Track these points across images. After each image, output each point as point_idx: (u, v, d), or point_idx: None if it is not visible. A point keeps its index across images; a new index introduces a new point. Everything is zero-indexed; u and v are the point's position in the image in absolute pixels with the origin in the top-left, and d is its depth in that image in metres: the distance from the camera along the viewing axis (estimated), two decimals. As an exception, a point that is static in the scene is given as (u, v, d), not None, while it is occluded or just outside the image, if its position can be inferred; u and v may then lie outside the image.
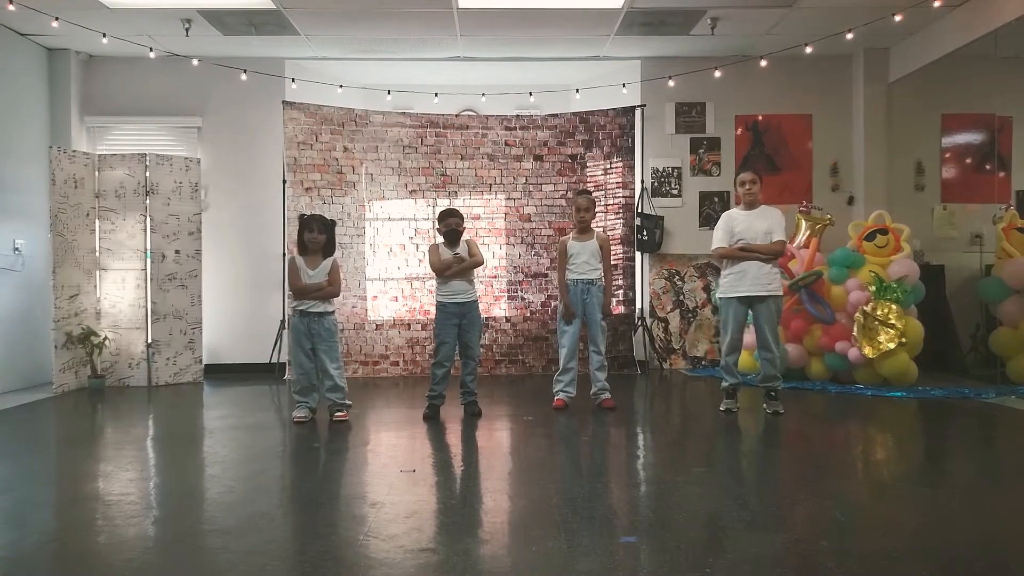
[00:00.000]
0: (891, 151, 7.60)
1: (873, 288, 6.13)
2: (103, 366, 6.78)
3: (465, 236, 5.39)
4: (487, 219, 7.58)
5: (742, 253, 5.13)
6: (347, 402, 5.18)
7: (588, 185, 7.57)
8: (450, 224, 5.26)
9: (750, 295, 5.12)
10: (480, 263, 5.36)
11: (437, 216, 5.45)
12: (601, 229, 7.49)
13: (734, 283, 5.17)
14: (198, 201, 7.12)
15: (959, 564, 2.58)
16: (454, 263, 5.21)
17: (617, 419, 5.14)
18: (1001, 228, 6.80)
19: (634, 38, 7.06)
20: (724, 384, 5.33)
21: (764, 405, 5.27)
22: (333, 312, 5.18)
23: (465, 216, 5.49)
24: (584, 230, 5.45)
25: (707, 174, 7.73)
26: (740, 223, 5.19)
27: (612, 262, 7.44)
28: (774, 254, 5.15)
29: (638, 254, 7.63)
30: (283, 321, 7.24)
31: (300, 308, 5.10)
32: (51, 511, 3.38)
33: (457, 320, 5.21)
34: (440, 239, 5.37)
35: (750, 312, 5.24)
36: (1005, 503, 3.34)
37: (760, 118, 7.74)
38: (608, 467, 4.10)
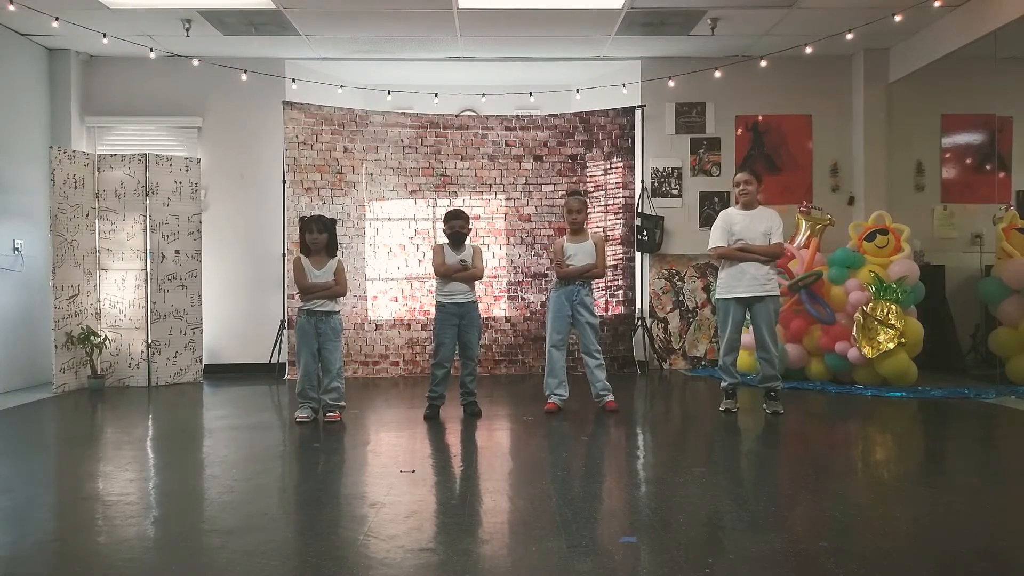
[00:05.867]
0: (891, 151, 7.60)
1: (873, 288, 6.13)
2: (103, 366, 6.78)
3: (473, 241, 5.36)
4: (487, 219, 7.58)
5: (741, 254, 5.13)
6: (341, 403, 5.19)
7: (588, 185, 7.57)
8: (454, 227, 5.24)
9: (747, 296, 5.12)
10: (478, 276, 5.31)
11: (444, 216, 5.42)
12: (601, 230, 7.50)
13: (731, 283, 5.17)
14: (198, 201, 7.12)
15: (959, 564, 2.58)
16: (459, 269, 5.20)
17: (617, 419, 5.13)
18: (1001, 228, 6.79)
19: (634, 38, 7.06)
20: (723, 384, 5.33)
21: (764, 405, 5.27)
22: (339, 312, 5.20)
23: (468, 217, 5.44)
24: (577, 231, 5.40)
25: (707, 174, 7.73)
26: (739, 223, 5.19)
27: (612, 262, 7.48)
28: (773, 256, 5.16)
29: (638, 254, 7.63)
30: (283, 321, 7.24)
31: (307, 308, 5.10)
32: (51, 511, 3.37)
33: (456, 320, 5.21)
34: (445, 239, 5.36)
35: (748, 312, 5.24)
36: (1005, 503, 3.34)
37: (760, 118, 7.73)
38: (608, 467, 4.10)
